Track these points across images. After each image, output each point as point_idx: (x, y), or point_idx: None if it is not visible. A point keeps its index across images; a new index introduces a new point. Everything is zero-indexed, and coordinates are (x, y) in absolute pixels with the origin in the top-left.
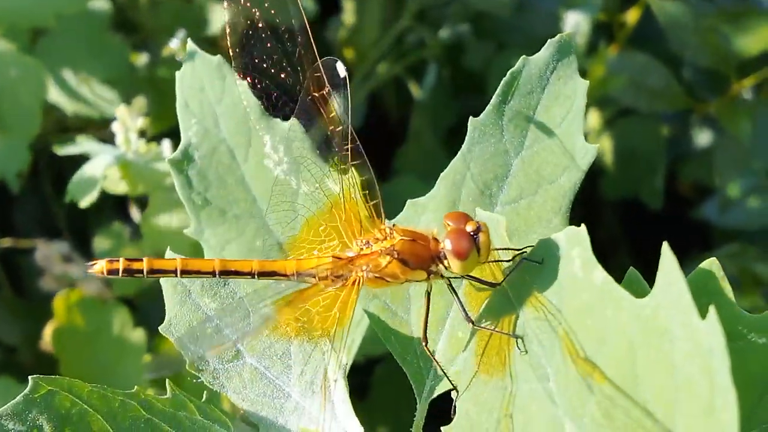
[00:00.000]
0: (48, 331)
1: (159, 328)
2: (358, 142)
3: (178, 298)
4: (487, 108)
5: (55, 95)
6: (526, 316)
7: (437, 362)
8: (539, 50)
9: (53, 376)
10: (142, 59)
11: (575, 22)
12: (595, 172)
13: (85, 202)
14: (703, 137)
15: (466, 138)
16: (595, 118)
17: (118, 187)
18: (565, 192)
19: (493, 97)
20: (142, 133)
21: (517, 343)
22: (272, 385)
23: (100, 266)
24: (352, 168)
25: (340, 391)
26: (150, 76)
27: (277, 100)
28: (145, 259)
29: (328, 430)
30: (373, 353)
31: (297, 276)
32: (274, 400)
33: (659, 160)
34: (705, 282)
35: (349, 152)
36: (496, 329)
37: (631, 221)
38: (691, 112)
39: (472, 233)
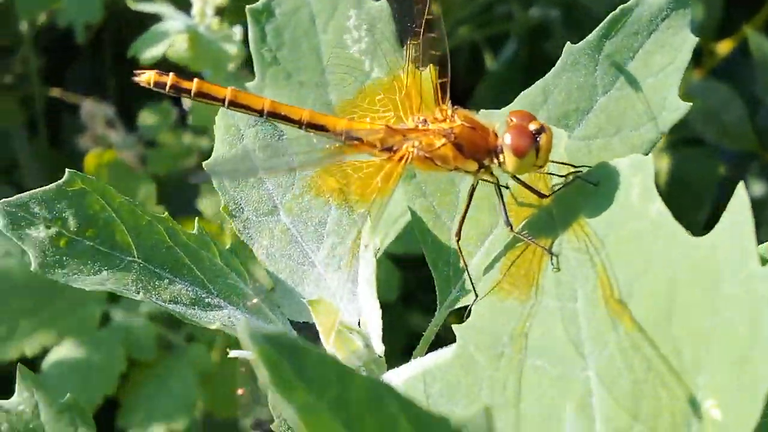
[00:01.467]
0: None
1: (204, 163)
2: (442, 19)
3: (230, 139)
4: (586, 38)
5: None
6: (565, 244)
7: (464, 260)
8: None
9: (90, 177)
10: None
11: None
12: None
13: (146, 59)
14: (757, 187)
15: (558, 63)
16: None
17: (181, 57)
18: (644, 142)
19: (596, 29)
20: (219, 12)
21: (551, 259)
22: (300, 249)
23: (148, 75)
24: (424, 39)
25: (366, 269)
26: None
27: None
28: (195, 80)
29: (341, 303)
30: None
31: (345, 136)
32: (298, 265)
33: (708, 195)
34: None
35: (423, 25)
36: (534, 241)
37: None
38: (754, 159)
39: (534, 132)
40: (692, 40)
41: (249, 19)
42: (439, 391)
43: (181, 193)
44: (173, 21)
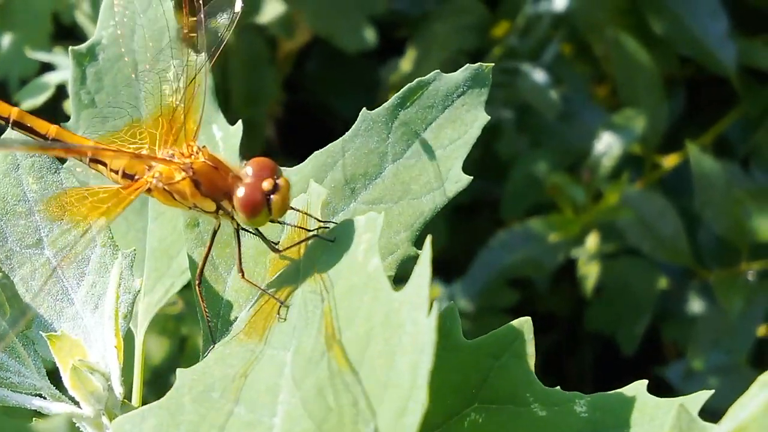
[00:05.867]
0: None
1: None
2: (209, 69)
3: (5, 168)
4: (383, 105)
5: (82, 18)
6: (303, 287)
7: (204, 305)
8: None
9: None
10: None
11: (608, 144)
12: (582, 301)
13: (26, 106)
14: (695, 304)
15: (353, 127)
16: (593, 241)
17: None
18: (423, 212)
19: (393, 97)
20: None
21: (279, 309)
22: (60, 285)
23: None
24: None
25: (110, 305)
26: None
27: None
28: None
29: (95, 343)
30: None
31: (90, 158)
32: (56, 301)
33: (647, 309)
34: (512, 339)
35: (195, 67)
36: (265, 289)
37: (604, 359)
38: (695, 275)
39: (266, 192)
40: (483, 118)
41: (71, 60)
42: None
43: None
44: (63, 71)
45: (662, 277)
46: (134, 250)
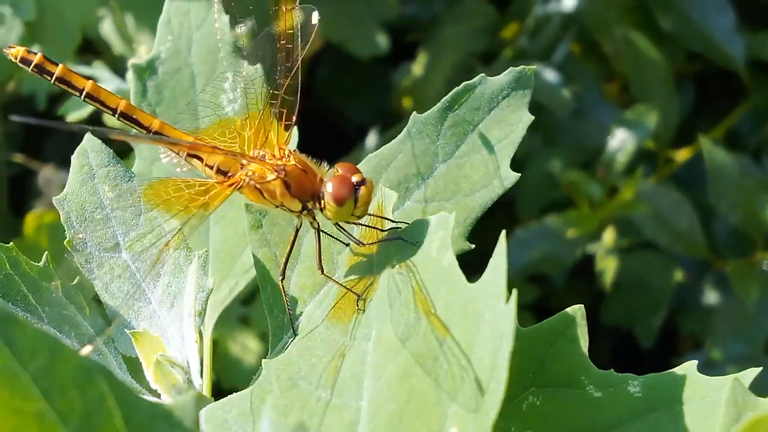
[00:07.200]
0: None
1: (53, 198)
2: (299, 69)
3: (82, 177)
4: (432, 108)
5: (107, 31)
6: (381, 281)
7: (287, 299)
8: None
9: None
10: None
11: (622, 140)
12: (598, 295)
13: (71, 118)
14: (711, 296)
15: (404, 130)
16: (609, 236)
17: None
18: (475, 207)
19: (442, 100)
20: None
21: (357, 302)
22: (137, 286)
23: (17, 50)
24: (284, 85)
25: (188, 303)
26: None
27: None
28: (60, 65)
29: (172, 339)
30: None
31: (188, 153)
32: (134, 302)
33: (664, 301)
34: (566, 326)
35: (288, 71)
36: (342, 283)
37: (623, 353)
38: (711, 267)
39: (355, 184)
40: (528, 118)
41: (132, 74)
42: (233, 417)
43: None
44: (106, 84)
45: (678, 270)
46: (206, 251)
